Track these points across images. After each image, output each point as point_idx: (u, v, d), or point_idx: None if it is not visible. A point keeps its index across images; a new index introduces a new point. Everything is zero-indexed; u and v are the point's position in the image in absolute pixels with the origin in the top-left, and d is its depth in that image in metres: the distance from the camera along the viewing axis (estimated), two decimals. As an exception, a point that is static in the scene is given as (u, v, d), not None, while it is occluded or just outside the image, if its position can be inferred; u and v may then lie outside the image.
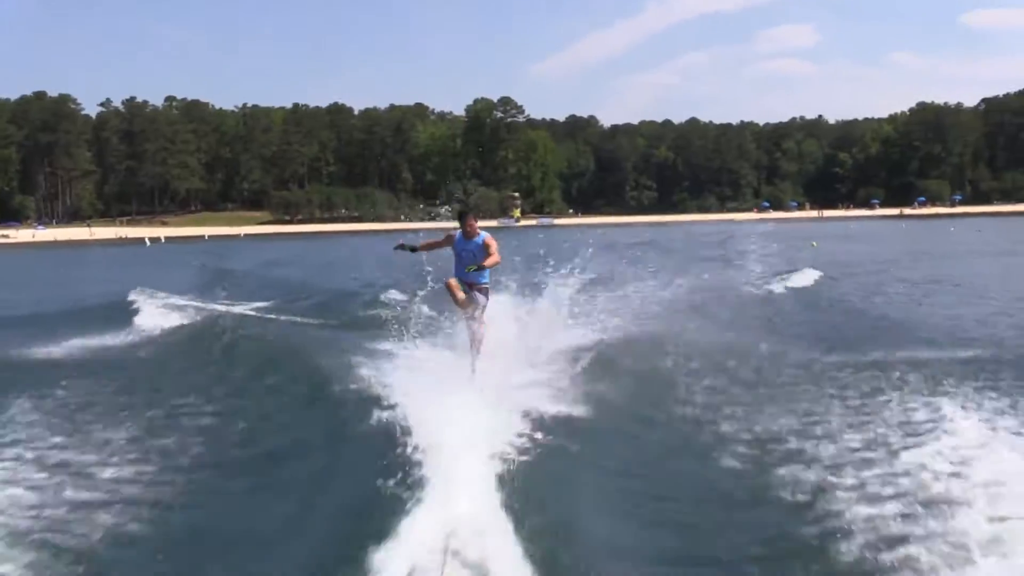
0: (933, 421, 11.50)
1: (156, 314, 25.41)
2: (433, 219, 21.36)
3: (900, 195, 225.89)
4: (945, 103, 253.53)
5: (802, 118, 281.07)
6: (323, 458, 10.26)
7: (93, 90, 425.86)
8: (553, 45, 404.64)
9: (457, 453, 8.36)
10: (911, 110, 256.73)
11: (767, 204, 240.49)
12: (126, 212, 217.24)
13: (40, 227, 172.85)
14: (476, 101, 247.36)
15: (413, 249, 16.11)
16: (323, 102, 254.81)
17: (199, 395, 14.65)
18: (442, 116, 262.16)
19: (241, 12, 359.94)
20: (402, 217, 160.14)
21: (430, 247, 16.10)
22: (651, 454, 10.72)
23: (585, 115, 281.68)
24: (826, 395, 13.59)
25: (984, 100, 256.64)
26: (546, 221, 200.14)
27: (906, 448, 10.26)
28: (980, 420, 11.56)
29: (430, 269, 17.71)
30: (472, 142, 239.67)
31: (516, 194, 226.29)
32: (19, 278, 55.14)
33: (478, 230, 15.30)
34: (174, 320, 24.31)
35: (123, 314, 25.89)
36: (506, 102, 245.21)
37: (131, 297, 28.76)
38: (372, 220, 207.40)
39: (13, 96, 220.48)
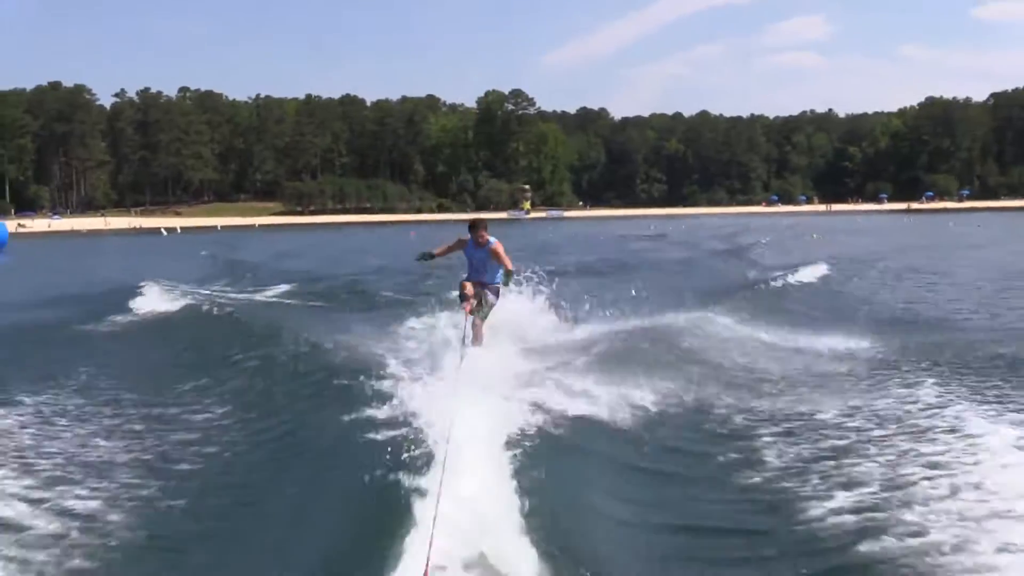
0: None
1: (172, 302, 25.38)
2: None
3: (908, 189, 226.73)
4: (954, 98, 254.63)
5: (812, 111, 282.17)
6: (325, 453, 9.90)
7: (108, 81, 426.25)
8: (564, 36, 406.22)
9: (461, 447, 8.01)
10: (920, 104, 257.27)
11: (776, 198, 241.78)
12: (139, 202, 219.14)
13: (56, 217, 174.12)
14: (487, 93, 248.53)
15: (431, 256, 16.82)
16: (336, 93, 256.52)
17: (199, 388, 14.36)
18: (453, 108, 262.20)
19: (255, 3, 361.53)
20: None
21: (446, 251, 16.65)
22: (658, 451, 10.31)
23: (596, 107, 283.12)
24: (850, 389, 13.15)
25: (993, 95, 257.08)
26: (556, 213, 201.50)
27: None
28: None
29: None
30: (483, 134, 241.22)
31: (527, 186, 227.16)
32: (48, 265, 56.28)
33: (488, 238, 15.74)
34: (192, 308, 24.00)
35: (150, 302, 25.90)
36: (517, 94, 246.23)
37: (159, 287, 28.57)
38: (383, 211, 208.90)
39: (29, 86, 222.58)
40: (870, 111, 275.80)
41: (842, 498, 8.26)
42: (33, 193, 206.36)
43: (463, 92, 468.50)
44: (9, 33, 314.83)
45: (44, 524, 7.93)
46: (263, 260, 51.72)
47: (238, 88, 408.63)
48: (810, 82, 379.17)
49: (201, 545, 7.81)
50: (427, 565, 5.92)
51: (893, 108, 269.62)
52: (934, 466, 8.84)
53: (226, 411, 12.66)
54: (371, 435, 9.35)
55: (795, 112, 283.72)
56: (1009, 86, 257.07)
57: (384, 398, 10.88)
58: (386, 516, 6.90)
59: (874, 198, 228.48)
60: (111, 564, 7.32)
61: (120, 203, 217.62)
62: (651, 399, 12.41)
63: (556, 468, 8.48)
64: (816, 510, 8.06)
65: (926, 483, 8.35)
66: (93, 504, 8.51)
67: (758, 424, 11.30)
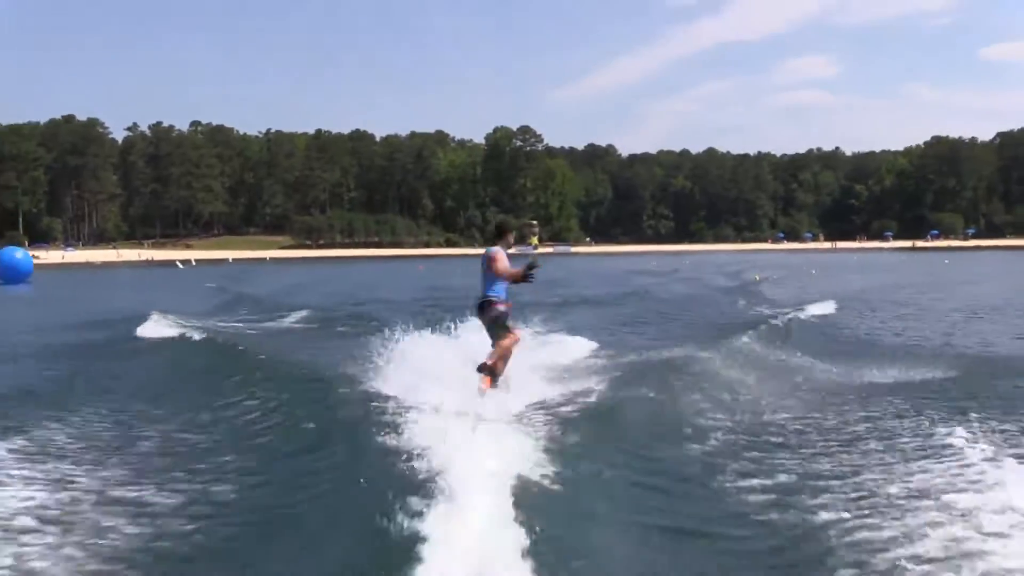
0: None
1: (192, 330, 25.18)
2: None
3: (914, 228, 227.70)
4: (960, 137, 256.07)
5: (819, 149, 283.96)
6: (332, 478, 9.71)
7: (120, 114, 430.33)
8: (572, 73, 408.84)
9: (470, 477, 7.91)
10: (926, 143, 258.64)
11: (782, 235, 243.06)
12: (150, 235, 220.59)
13: (70, 249, 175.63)
14: (496, 129, 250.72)
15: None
16: (345, 129, 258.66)
17: (204, 416, 14.10)
18: (462, 144, 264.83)
19: (266, 39, 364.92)
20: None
21: (513, 279, 14.40)
22: (667, 475, 10.12)
23: (603, 144, 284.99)
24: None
25: (999, 134, 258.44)
26: (563, 249, 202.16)
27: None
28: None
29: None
30: (491, 170, 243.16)
31: (534, 221, 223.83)
32: (70, 295, 57.55)
33: (496, 243, 14.76)
34: (211, 337, 23.86)
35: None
36: (525, 131, 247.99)
37: (177, 317, 28.94)
38: (392, 245, 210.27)
39: (43, 119, 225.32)
40: (877, 149, 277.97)
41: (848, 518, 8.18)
42: (46, 225, 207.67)
43: (472, 128, 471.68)
44: (24, 66, 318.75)
45: (48, 533, 7.96)
46: (275, 292, 52.75)
47: (249, 122, 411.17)
48: (817, 120, 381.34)
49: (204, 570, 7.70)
50: None
51: (900, 147, 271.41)
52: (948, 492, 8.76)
53: (242, 437, 12.49)
54: (378, 464, 9.21)
55: (802, 150, 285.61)
56: (1015, 126, 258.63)
57: (393, 428, 10.62)
58: (391, 546, 6.73)
59: (879, 236, 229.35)
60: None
61: (131, 235, 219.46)
62: (663, 425, 12.28)
63: (561, 496, 8.37)
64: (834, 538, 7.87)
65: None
66: (99, 527, 8.38)
67: (785, 465, 10.69)
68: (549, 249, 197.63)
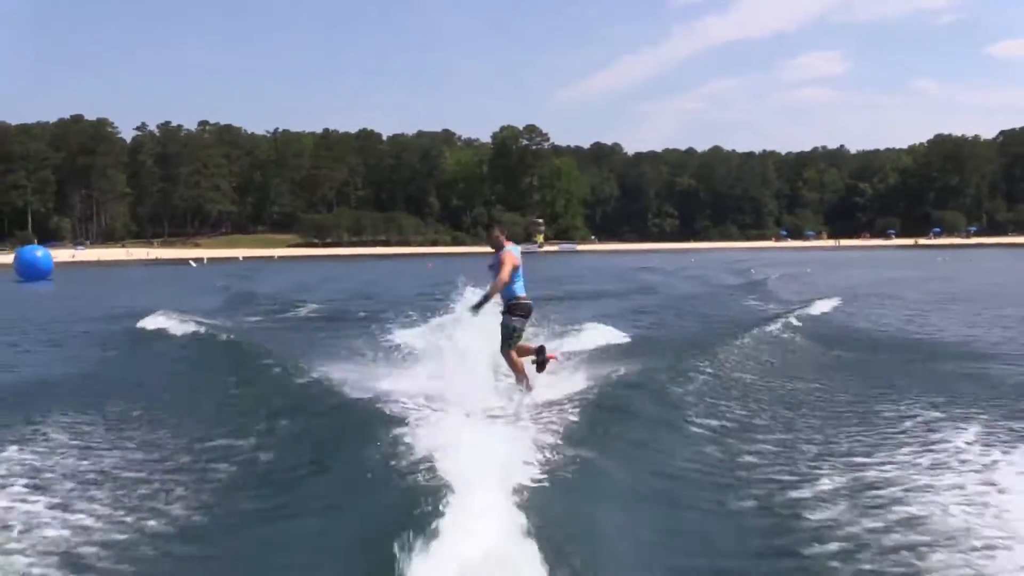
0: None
1: (206, 327, 25.24)
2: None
3: (918, 225, 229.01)
4: (963, 135, 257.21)
5: (824, 148, 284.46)
6: (336, 482, 9.74)
7: (129, 114, 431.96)
8: (579, 72, 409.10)
9: (477, 480, 7.82)
10: (930, 142, 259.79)
11: (785, 233, 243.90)
12: (158, 234, 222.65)
13: (80, 248, 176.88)
14: (502, 128, 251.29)
15: (485, 300, 14.39)
16: (352, 128, 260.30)
17: (207, 415, 14.16)
18: (469, 143, 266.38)
19: (273, 39, 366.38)
20: None
21: (496, 290, 14.33)
22: (677, 481, 10.04)
23: (609, 142, 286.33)
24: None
25: (1002, 132, 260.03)
26: (568, 247, 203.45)
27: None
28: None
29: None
30: (498, 168, 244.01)
31: (540, 220, 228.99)
32: (88, 291, 58.89)
33: (503, 242, 14.46)
34: (230, 333, 24.15)
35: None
36: (531, 130, 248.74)
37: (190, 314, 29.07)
38: (399, 243, 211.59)
39: (52, 119, 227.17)
40: (882, 147, 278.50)
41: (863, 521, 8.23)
42: (55, 224, 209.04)
43: (478, 127, 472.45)
44: (33, 67, 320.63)
45: (44, 549, 7.87)
46: (286, 289, 53.90)
47: (256, 122, 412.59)
48: (824, 118, 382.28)
49: (206, 568, 7.83)
50: None
51: (905, 144, 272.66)
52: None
53: (247, 433, 12.42)
54: (383, 465, 9.19)
55: (807, 148, 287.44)
56: (1021, 122, 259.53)
57: (399, 425, 10.68)
58: (395, 547, 6.62)
59: (883, 234, 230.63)
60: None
61: (140, 234, 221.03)
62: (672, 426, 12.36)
63: (570, 499, 8.34)
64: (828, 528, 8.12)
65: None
66: (97, 528, 8.46)
67: (792, 454, 11.05)
68: (555, 247, 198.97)
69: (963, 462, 9.97)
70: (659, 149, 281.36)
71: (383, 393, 13.55)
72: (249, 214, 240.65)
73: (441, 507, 7.12)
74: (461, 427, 10.54)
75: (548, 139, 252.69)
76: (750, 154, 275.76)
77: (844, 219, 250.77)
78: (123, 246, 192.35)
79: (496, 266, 14.32)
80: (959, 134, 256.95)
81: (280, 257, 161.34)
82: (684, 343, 21.23)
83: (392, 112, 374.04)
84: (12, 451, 11.19)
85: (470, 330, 14.75)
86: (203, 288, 55.71)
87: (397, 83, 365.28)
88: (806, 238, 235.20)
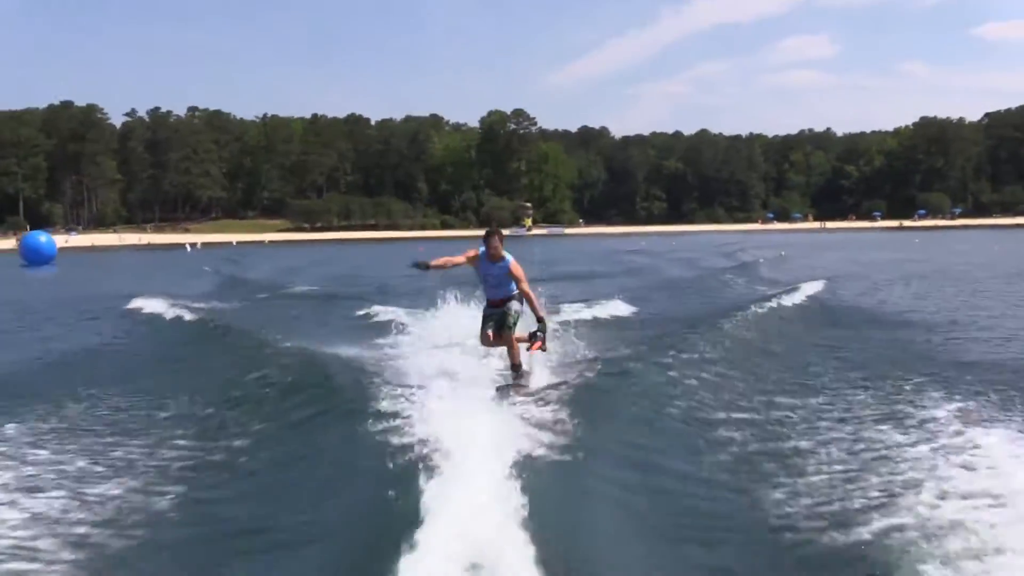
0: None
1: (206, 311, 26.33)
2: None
3: (903, 208, 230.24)
4: (948, 118, 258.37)
5: (811, 131, 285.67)
6: (333, 463, 9.86)
7: (119, 99, 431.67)
8: (566, 56, 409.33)
9: (474, 462, 7.95)
10: (915, 124, 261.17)
11: (772, 215, 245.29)
12: (149, 219, 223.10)
13: (73, 234, 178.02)
14: (490, 113, 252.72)
15: (427, 267, 14.37)
16: (341, 113, 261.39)
17: (207, 394, 14.42)
18: (457, 127, 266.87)
19: (261, 24, 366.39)
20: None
21: (449, 264, 14.31)
22: (672, 469, 10.10)
23: (597, 126, 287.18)
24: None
25: (987, 114, 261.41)
26: (556, 230, 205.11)
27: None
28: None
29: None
30: (486, 153, 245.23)
31: (528, 204, 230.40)
32: (88, 276, 60.36)
33: (503, 252, 14.09)
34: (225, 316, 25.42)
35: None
36: (519, 114, 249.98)
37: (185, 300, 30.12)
38: (388, 228, 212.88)
39: (42, 105, 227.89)
40: (868, 130, 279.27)
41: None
42: (46, 210, 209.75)
43: (466, 112, 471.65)
44: (23, 52, 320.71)
45: (46, 533, 8.04)
46: (278, 273, 55.19)
47: (246, 107, 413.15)
48: (811, 100, 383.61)
49: (192, 560, 7.85)
50: None
51: (891, 127, 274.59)
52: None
53: (242, 422, 12.59)
54: (376, 447, 9.28)
55: (794, 131, 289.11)
56: (1008, 104, 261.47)
57: (392, 409, 10.83)
58: (389, 528, 6.79)
59: (869, 216, 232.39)
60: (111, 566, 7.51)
61: (130, 220, 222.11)
62: (666, 413, 12.46)
63: (561, 479, 8.50)
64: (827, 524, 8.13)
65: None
66: (94, 516, 8.57)
67: (782, 433, 11.37)
68: (543, 231, 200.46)
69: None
70: (646, 133, 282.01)
71: (379, 376, 13.84)
72: (239, 199, 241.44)
73: (434, 489, 7.27)
74: (455, 410, 10.45)
75: (536, 123, 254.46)
76: (737, 137, 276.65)
77: (831, 201, 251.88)
78: (115, 231, 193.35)
79: (500, 276, 14.17)
80: (945, 116, 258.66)
81: (271, 242, 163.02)
82: (662, 324, 21.98)
83: (380, 97, 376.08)
84: (10, 430, 11.77)
85: (462, 317, 15.60)
86: (203, 272, 56.85)
87: (385, 68, 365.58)
88: (793, 221, 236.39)
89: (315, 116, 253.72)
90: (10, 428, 11.97)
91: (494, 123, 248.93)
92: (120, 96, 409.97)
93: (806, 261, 57.46)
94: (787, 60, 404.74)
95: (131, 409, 13.73)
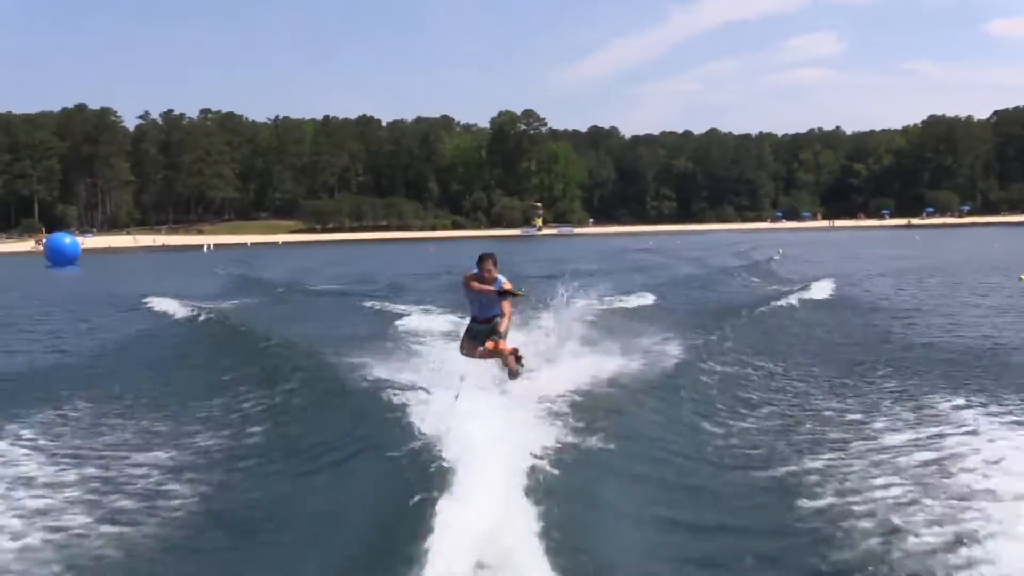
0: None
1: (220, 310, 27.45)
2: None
3: (912, 205, 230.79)
4: (956, 116, 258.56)
5: (820, 129, 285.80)
6: (346, 461, 9.92)
7: (132, 103, 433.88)
8: (576, 56, 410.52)
9: (485, 460, 7.95)
10: (923, 122, 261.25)
11: (780, 214, 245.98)
12: (162, 221, 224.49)
13: (89, 235, 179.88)
14: (500, 114, 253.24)
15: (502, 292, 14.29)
16: (352, 114, 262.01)
17: (226, 393, 14.77)
18: (467, 128, 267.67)
19: (273, 27, 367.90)
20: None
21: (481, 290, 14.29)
22: (684, 463, 10.19)
23: (606, 126, 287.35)
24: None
25: (995, 112, 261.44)
26: (566, 230, 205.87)
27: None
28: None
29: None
30: (496, 153, 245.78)
31: (539, 204, 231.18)
32: (112, 275, 61.78)
33: (496, 275, 14.15)
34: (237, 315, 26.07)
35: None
36: (529, 114, 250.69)
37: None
38: (399, 228, 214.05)
39: (56, 108, 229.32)
40: (877, 128, 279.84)
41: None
42: (60, 212, 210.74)
43: (476, 113, 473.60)
44: (36, 56, 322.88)
45: (66, 525, 8.20)
46: (294, 272, 56.34)
47: (258, 109, 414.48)
48: (819, 99, 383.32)
49: (211, 553, 7.96)
50: None
51: (900, 125, 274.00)
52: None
53: (250, 420, 12.91)
54: (387, 446, 9.33)
55: (803, 129, 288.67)
56: (1016, 101, 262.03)
57: (403, 409, 11.03)
58: (400, 528, 6.87)
59: (877, 214, 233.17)
60: (122, 569, 7.52)
61: (143, 222, 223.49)
62: (681, 411, 12.69)
63: (572, 479, 8.42)
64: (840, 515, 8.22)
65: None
66: (105, 512, 8.70)
67: (792, 437, 11.43)
68: (553, 231, 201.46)
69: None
70: (656, 132, 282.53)
71: (389, 375, 14.22)
72: (252, 200, 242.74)
73: (444, 488, 7.32)
74: (463, 409, 10.45)
75: (545, 124, 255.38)
76: (747, 136, 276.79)
77: (840, 200, 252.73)
78: (129, 233, 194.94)
79: (487, 302, 14.31)
80: (953, 115, 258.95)
81: (285, 243, 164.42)
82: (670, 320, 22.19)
83: (391, 98, 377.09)
84: (40, 422, 12.33)
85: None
86: (219, 273, 57.98)
87: (396, 70, 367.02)
88: (801, 219, 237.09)
89: (326, 118, 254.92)
90: (39, 416, 12.76)
91: (504, 123, 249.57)
92: (133, 99, 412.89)
93: (804, 258, 59.07)
94: (795, 58, 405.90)
95: (161, 400, 14.47)
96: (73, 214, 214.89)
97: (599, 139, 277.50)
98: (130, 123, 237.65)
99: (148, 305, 30.07)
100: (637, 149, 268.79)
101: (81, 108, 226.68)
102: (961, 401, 12.68)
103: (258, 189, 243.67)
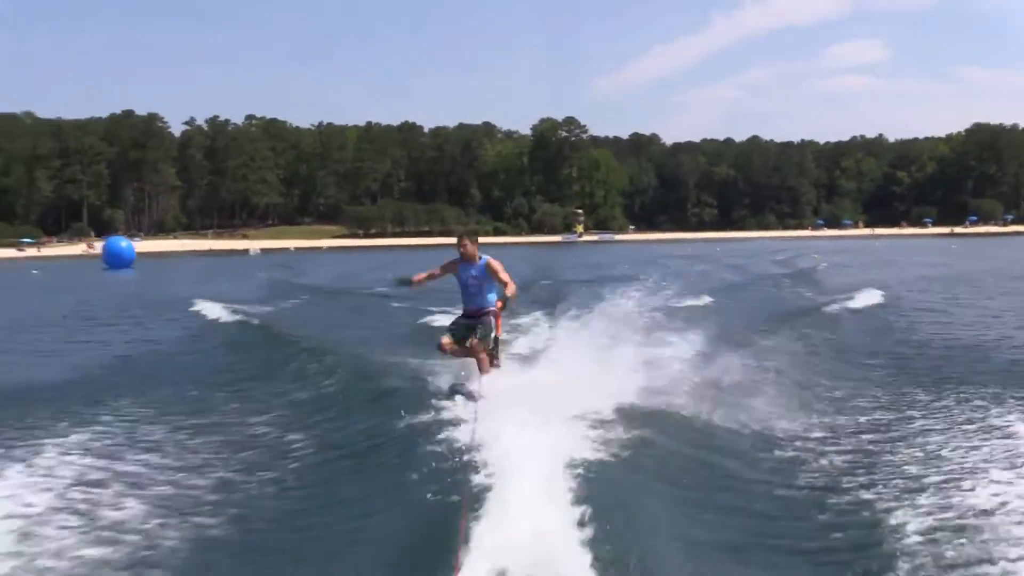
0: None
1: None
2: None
3: (955, 214, 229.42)
4: (1001, 123, 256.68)
5: (862, 137, 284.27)
6: (382, 469, 9.82)
7: (178, 109, 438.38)
8: (618, 62, 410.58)
9: (522, 468, 7.80)
10: (967, 130, 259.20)
11: (822, 222, 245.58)
12: (207, 225, 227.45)
13: (136, 239, 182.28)
14: (541, 121, 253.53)
15: (410, 283, 14.65)
16: (394, 120, 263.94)
17: (259, 400, 14.77)
18: (509, 135, 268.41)
19: (317, 34, 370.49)
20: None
21: (429, 278, 14.49)
22: (730, 473, 9.98)
23: (648, 133, 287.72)
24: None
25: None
26: (607, 236, 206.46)
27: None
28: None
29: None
30: (538, 160, 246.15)
31: (579, 210, 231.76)
32: (168, 277, 63.42)
33: (478, 254, 13.82)
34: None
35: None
36: (570, 121, 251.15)
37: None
38: (441, 234, 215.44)
39: (104, 114, 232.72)
40: (921, 136, 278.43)
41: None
42: (108, 216, 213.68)
43: (518, 119, 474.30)
44: (85, 63, 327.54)
45: (99, 534, 8.02)
46: (340, 277, 57.45)
47: (301, 115, 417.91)
48: (863, 106, 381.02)
49: (251, 555, 7.93)
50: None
51: (944, 132, 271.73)
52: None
53: (287, 423, 12.96)
54: (422, 453, 9.35)
55: (847, 136, 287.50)
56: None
57: (437, 415, 11.05)
58: (437, 536, 6.84)
59: (920, 222, 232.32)
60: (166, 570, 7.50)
61: (189, 226, 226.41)
62: (726, 418, 12.36)
63: (614, 486, 8.25)
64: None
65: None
66: (146, 513, 8.66)
67: (845, 446, 11.14)
68: (594, 237, 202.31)
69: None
70: (697, 139, 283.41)
71: (434, 383, 13.84)
72: (295, 206, 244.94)
73: (489, 496, 7.25)
74: (505, 416, 10.22)
75: (586, 131, 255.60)
76: (788, 144, 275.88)
77: (882, 208, 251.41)
78: (175, 237, 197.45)
79: (480, 277, 13.83)
80: (997, 122, 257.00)
81: (329, 248, 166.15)
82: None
83: (433, 105, 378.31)
84: (99, 425, 12.37)
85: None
86: (265, 276, 59.16)
87: (438, 76, 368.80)
88: (843, 227, 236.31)
89: (369, 124, 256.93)
90: (106, 415, 13.02)
91: (546, 130, 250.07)
92: (179, 105, 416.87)
93: (847, 264, 59.53)
94: (839, 65, 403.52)
95: (212, 404, 14.56)
96: (121, 218, 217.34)
97: (640, 146, 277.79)
98: (176, 129, 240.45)
99: (197, 308, 30.62)
100: (678, 156, 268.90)
101: (128, 114, 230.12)
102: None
103: (302, 194, 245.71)
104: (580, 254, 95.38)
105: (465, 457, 8.71)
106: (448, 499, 7.59)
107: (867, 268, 53.03)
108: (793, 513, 8.78)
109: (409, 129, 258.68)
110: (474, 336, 13.51)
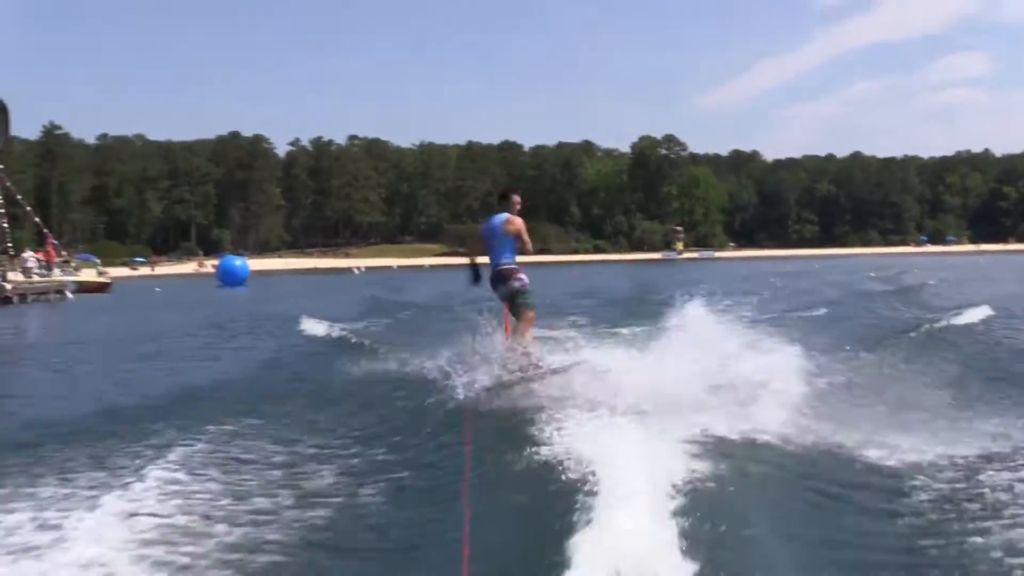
0: None
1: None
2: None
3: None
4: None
5: (968, 152, 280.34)
6: (485, 482, 9.15)
7: (283, 130, 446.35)
8: (718, 79, 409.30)
9: (621, 478, 7.50)
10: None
11: (925, 238, 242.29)
12: (311, 244, 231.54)
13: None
14: (641, 139, 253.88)
15: (476, 270, 14.23)
16: (495, 140, 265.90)
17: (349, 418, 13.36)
18: (608, 153, 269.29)
19: (418, 55, 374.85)
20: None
21: (478, 254, 14.17)
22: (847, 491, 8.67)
23: (748, 150, 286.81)
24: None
25: None
26: (707, 254, 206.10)
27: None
28: None
29: None
30: (637, 178, 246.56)
31: (679, 228, 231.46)
32: (276, 294, 65.04)
33: (513, 209, 13.71)
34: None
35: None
36: (670, 139, 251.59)
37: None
38: (541, 252, 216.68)
39: (212, 136, 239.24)
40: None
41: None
42: (215, 236, 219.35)
43: (617, 138, 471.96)
44: (194, 86, 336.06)
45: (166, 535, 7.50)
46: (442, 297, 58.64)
47: (403, 135, 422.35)
48: (969, 120, 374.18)
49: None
50: None
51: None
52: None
53: (405, 442, 11.65)
54: (526, 471, 8.87)
55: (951, 151, 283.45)
56: None
57: (541, 429, 10.31)
58: (541, 547, 6.57)
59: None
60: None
61: (293, 245, 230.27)
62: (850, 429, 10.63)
63: (726, 504, 7.67)
64: None
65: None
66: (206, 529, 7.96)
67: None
68: (694, 254, 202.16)
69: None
70: (798, 155, 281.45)
71: (541, 396, 12.61)
72: (397, 224, 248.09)
73: (588, 511, 6.94)
74: (606, 427, 9.97)
75: (686, 148, 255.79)
76: (891, 159, 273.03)
77: (988, 224, 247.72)
78: (279, 256, 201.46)
79: (495, 228, 13.73)
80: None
81: (432, 266, 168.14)
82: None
83: (533, 124, 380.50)
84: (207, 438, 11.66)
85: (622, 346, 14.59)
86: (370, 295, 60.52)
87: (538, 95, 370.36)
88: (947, 243, 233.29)
89: (470, 143, 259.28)
90: (211, 427, 12.17)
91: (645, 148, 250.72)
92: (285, 126, 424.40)
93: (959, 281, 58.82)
94: (944, 79, 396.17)
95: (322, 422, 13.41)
96: (227, 238, 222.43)
97: (740, 163, 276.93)
98: (281, 150, 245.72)
99: (304, 327, 29.32)
100: (779, 173, 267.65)
101: (235, 135, 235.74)
102: None
103: (403, 213, 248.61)
104: (679, 271, 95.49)
105: (569, 467, 8.32)
106: (551, 508, 7.32)
107: (975, 282, 52.24)
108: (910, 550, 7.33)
109: (509, 148, 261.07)
110: (528, 309, 13.16)
